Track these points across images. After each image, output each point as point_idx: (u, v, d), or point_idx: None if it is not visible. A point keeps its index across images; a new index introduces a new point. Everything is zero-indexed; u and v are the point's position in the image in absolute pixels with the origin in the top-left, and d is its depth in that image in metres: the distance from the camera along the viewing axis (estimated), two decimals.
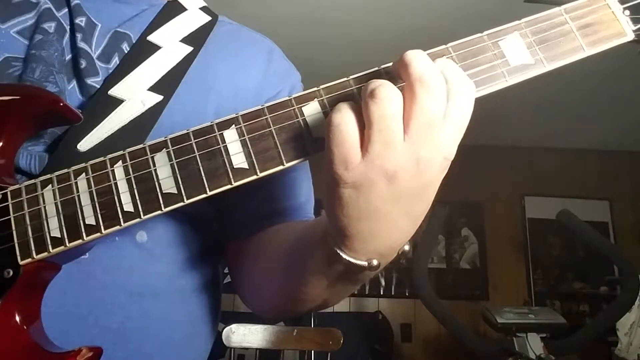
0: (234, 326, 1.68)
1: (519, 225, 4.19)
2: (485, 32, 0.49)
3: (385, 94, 0.40)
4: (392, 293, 4.01)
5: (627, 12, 0.50)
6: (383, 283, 4.04)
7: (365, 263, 0.44)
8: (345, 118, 0.41)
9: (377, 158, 0.40)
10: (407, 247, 0.46)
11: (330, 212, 0.44)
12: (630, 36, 0.50)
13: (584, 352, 2.79)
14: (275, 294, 0.63)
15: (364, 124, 0.41)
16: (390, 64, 0.46)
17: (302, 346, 1.80)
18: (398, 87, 0.41)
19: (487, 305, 3.14)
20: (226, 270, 0.73)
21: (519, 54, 0.48)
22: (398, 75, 0.43)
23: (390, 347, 3.67)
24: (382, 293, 4.01)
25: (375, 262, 0.44)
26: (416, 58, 0.41)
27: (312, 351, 1.81)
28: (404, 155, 0.40)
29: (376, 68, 0.47)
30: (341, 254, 0.44)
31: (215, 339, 0.72)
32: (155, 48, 0.63)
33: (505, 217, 4.18)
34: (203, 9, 0.73)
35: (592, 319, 3.27)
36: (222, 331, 1.65)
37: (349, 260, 0.44)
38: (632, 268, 2.61)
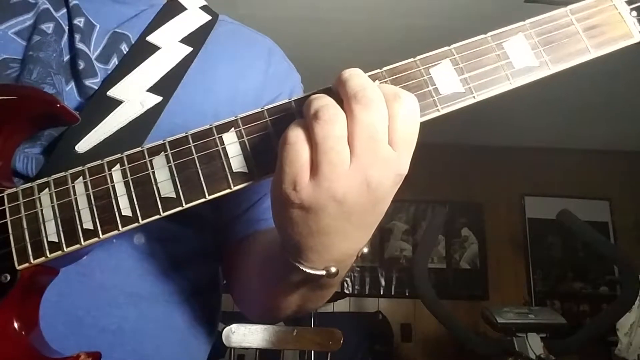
0: (234, 326, 1.68)
1: (519, 225, 4.20)
2: (489, 34, 0.48)
3: (329, 115, 0.39)
4: (392, 293, 4.01)
5: (635, 13, 0.49)
6: (383, 283, 4.04)
7: (323, 272, 0.45)
8: (300, 137, 0.40)
9: (325, 180, 0.39)
10: (365, 250, 0.46)
11: (280, 230, 0.45)
12: (637, 38, 0.49)
13: (584, 352, 2.79)
14: (257, 300, 0.63)
15: None
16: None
17: (302, 346, 1.80)
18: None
19: (487, 305, 3.14)
20: None
21: (524, 56, 0.48)
22: (338, 95, 0.42)
23: (390, 347, 3.67)
24: (382, 293, 4.01)
25: (333, 270, 0.45)
26: (351, 76, 0.41)
27: (312, 351, 1.81)
28: (352, 176, 0.40)
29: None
30: (298, 265, 0.45)
31: (215, 339, 0.72)
32: (154, 49, 0.63)
33: (505, 217, 4.18)
34: (203, 8, 0.72)
35: (592, 319, 3.27)
36: (222, 331, 1.64)
37: (306, 271, 0.45)
38: (632, 268, 2.61)
